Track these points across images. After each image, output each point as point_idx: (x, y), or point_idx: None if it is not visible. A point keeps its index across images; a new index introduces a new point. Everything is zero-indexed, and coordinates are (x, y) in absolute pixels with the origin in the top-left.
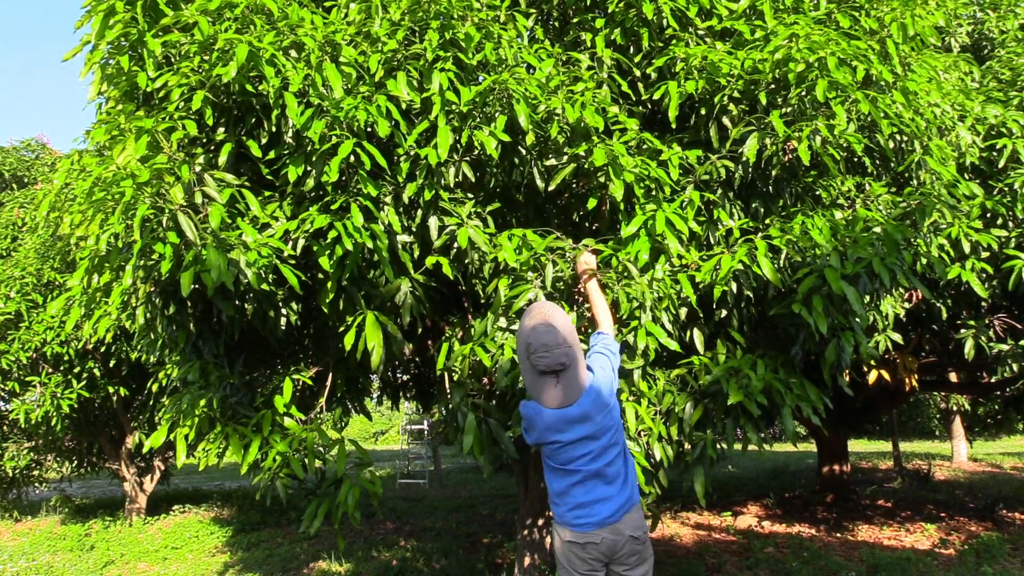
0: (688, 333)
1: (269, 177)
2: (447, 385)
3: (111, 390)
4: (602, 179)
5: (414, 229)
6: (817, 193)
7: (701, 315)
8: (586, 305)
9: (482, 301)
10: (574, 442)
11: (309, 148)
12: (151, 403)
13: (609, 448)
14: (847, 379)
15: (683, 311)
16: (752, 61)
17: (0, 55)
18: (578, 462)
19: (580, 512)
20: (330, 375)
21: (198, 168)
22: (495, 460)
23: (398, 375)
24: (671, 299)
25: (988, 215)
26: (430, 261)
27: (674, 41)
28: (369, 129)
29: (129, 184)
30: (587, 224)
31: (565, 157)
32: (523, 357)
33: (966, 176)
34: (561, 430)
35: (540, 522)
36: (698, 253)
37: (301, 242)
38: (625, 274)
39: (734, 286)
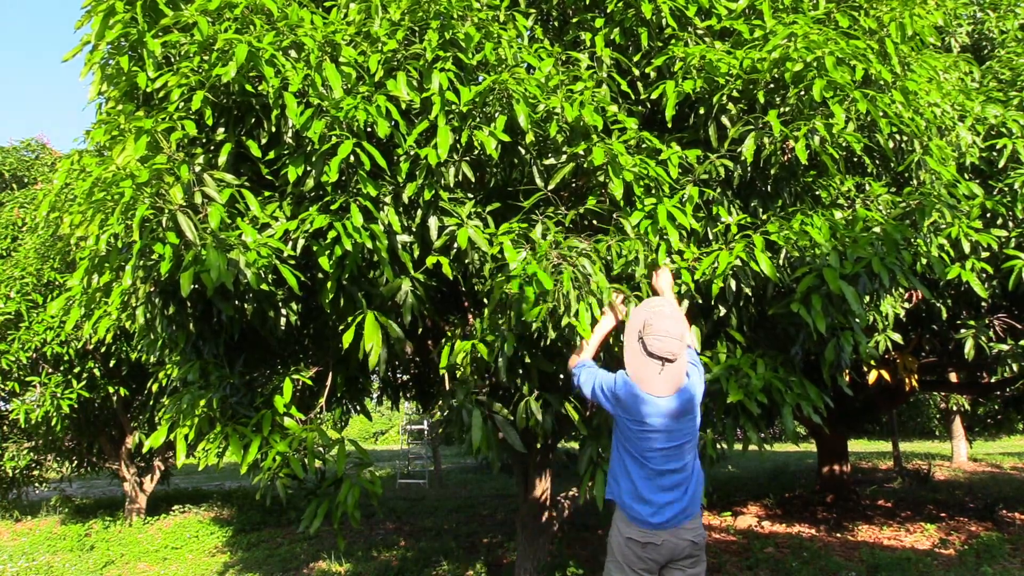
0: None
1: (269, 177)
2: (448, 384)
3: (111, 390)
4: (601, 178)
5: (414, 229)
6: (816, 193)
7: (700, 301)
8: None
9: (484, 300)
10: (657, 433)
11: (309, 148)
12: (151, 403)
13: (684, 453)
14: (847, 379)
15: (684, 304)
16: (751, 61)
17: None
18: (652, 455)
19: (642, 507)
20: (330, 375)
21: (198, 168)
22: (501, 456)
23: (398, 375)
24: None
25: (988, 215)
26: (431, 261)
27: (673, 41)
28: (369, 129)
29: (129, 184)
30: (586, 223)
31: (564, 156)
32: (633, 332)
33: (966, 176)
34: (651, 416)
35: (540, 522)
36: (697, 251)
37: (301, 242)
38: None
39: (732, 284)
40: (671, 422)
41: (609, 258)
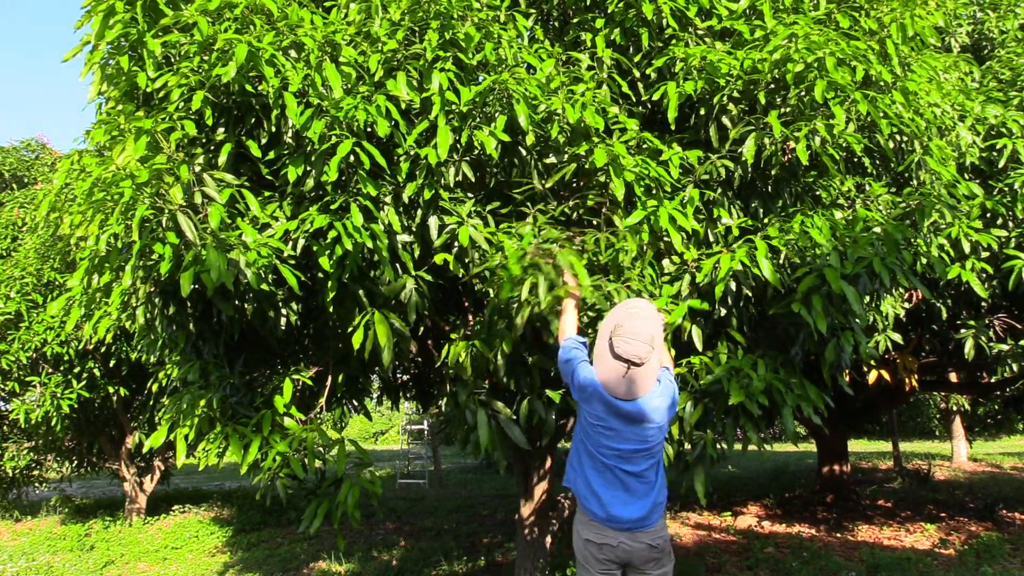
0: (686, 333)
1: (269, 177)
2: (448, 385)
3: (111, 390)
4: (602, 179)
5: (414, 229)
6: (817, 193)
7: (703, 315)
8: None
9: (483, 301)
10: (611, 432)
11: (309, 148)
12: (151, 403)
13: (644, 458)
14: (847, 379)
15: (684, 305)
16: (751, 61)
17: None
18: (610, 454)
19: (590, 498)
20: (330, 375)
21: (198, 168)
22: (507, 454)
23: (398, 375)
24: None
25: (988, 215)
26: (439, 259)
27: (674, 41)
28: (369, 129)
29: (128, 184)
30: (584, 221)
31: (566, 156)
32: (605, 332)
33: (966, 176)
34: (607, 417)
35: (540, 522)
36: (697, 252)
37: (301, 242)
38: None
39: (733, 285)
40: (627, 426)
41: (597, 251)
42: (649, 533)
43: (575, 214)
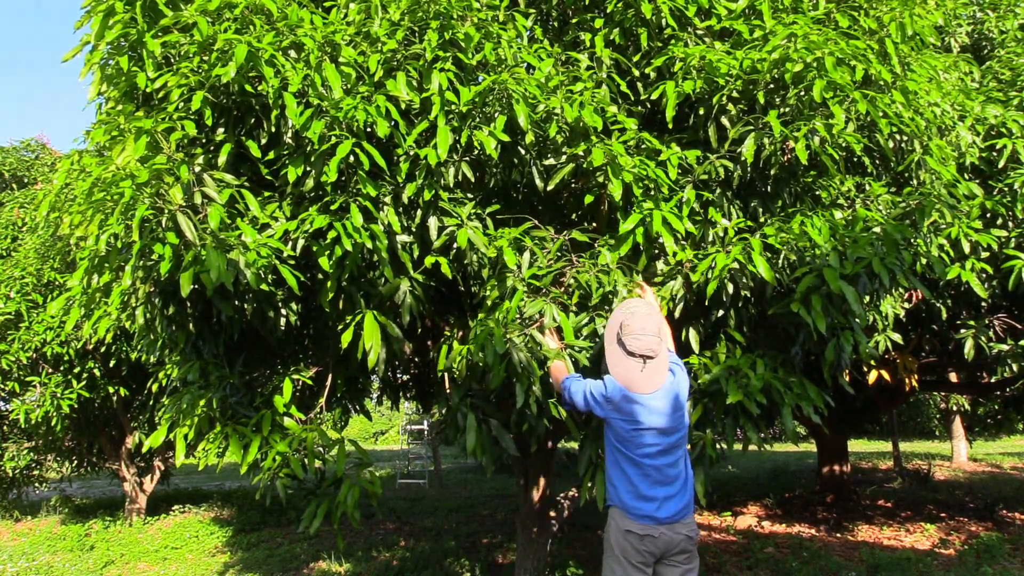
0: (684, 333)
1: (269, 177)
2: (447, 386)
3: (111, 390)
4: (601, 179)
5: (414, 229)
6: (816, 193)
7: (701, 316)
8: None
9: (476, 303)
10: (650, 431)
11: (308, 148)
12: (151, 403)
13: (675, 448)
14: (847, 378)
15: (678, 308)
16: (751, 61)
17: None
18: (645, 451)
19: (641, 504)
20: (330, 375)
21: (197, 168)
22: (496, 459)
23: (398, 375)
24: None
25: (988, 215)
26: (429, 261)
27: (673, 41)
28: (368, 129)
29: (128, 184)
30: (586, 223)
31: (564, 157)
32: (612, 335)
33: (966, 176)
34: (643, 415)
35: (540, 522)
36: (693, 252)
37: (301, 242)
38: (600, 263)
39: (730, 286)
40: (662, 419)
41: (588, 291)
42: (686, 524)
43: (573, 215)
